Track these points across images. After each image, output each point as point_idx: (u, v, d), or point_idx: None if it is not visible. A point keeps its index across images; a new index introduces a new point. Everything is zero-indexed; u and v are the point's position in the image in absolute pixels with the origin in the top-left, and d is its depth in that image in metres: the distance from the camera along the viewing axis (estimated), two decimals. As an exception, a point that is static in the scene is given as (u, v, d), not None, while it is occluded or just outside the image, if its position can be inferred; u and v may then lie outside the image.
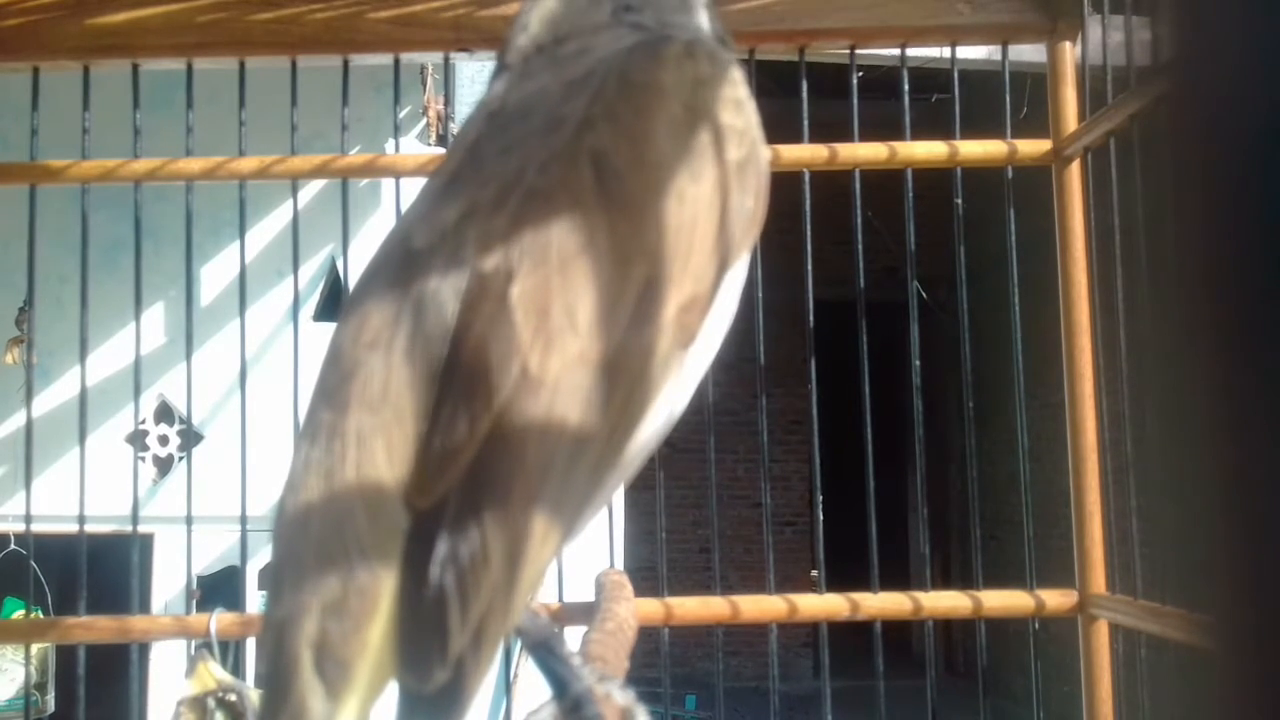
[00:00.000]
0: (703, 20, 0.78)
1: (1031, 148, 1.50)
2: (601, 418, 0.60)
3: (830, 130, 1.56)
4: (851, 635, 1.83)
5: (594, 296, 0.60)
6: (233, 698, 1.49)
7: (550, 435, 0.58)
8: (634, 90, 0.66)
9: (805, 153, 1.50)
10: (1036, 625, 1.48)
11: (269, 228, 3.24)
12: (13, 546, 2.97)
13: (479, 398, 0.57)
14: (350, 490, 0.58)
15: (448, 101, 2.92)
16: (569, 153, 0.63)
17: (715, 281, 0.66)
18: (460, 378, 0.58)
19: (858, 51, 1.56)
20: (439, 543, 0.56)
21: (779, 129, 1.42)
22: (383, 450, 0.59)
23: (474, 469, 0.57)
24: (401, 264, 0.63)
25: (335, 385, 0.61)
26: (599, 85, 0.66)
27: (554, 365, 0.58)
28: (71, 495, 1.52)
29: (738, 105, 0.69)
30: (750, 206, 0.68)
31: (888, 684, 1.54)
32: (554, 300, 0.59)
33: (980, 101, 1.79)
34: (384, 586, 0.57)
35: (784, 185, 1.28)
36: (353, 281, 1.75)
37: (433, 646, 0.55)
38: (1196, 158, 0.22)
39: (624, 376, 0.61)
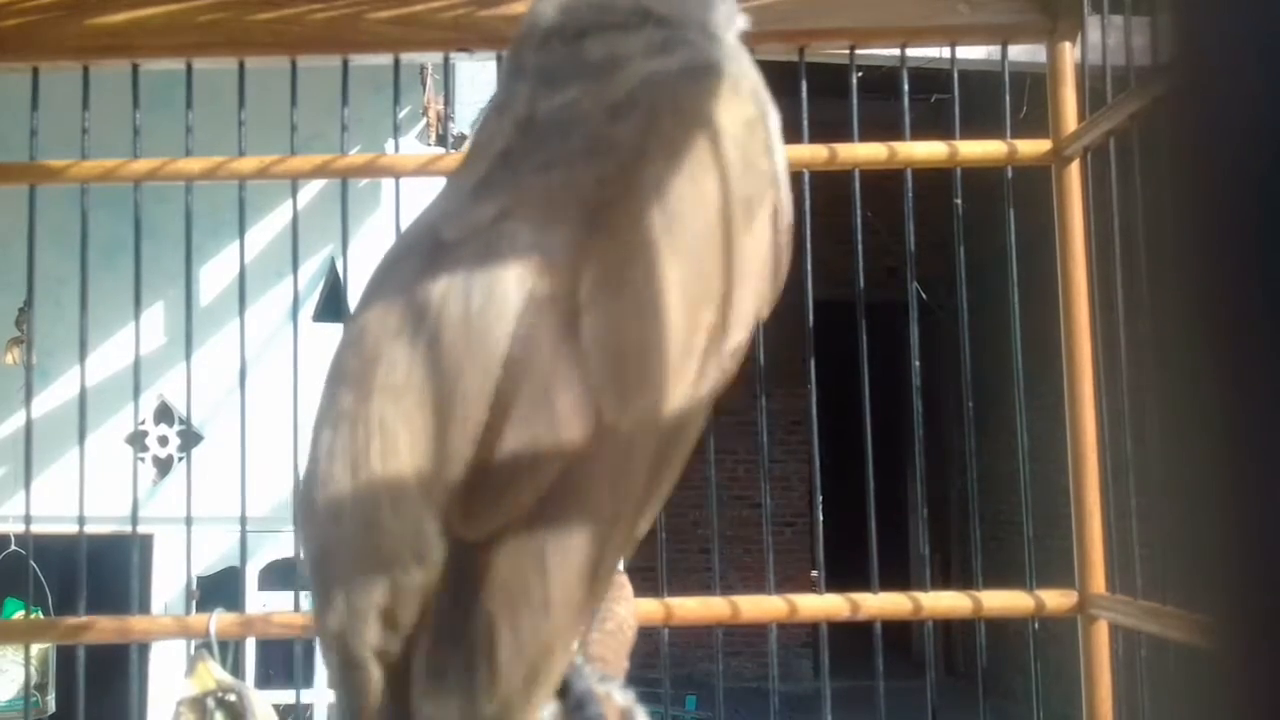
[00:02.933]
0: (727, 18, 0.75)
1: (1031, 148, 1.50)
2: (665, 468, 0.60)
3: (830, 130, 1.56)
4: (851, 635, 1.83)
5: (667, 344, 0.60)
6: (233, 698, 1.49)
7: (622, 486, 0.57)
8: (689, 126, 0.65)
9: (805, 153, 1.50)
10: (1036, 625, 1.48)
11: (269, 228, 3.24)
12: (13, 547, 2.97)
13: (547, 440, 0.56)
14: (377, 484, 0.57)
15: (448, 101, 2.92)
16: (629, 183, 0.62)
17: (754, 326, 0.66)
18: (523, 416, 0.56)
19: (858, 51, 1.56)
20: (494, 578, 0.55)
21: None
22: (407, 442, 0.57)
23: (540, 510, 0.56)
24: (430, 254, 0.62)
25: (358, 373, 0.60)
26: (651, 115, 0.65)
27: (629, 417, 0.57)
28: (71, 496, 1.52)
29: (774, 150, 0.68)
30: (781, 249, 0.68)
31: (888, 684, 1.54)
32: (629, 345, 0.58)
33: (980, 101, 1.79)
34: (425, 593, 0.56)
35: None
36: (354, 281, 1.76)
37: (479, 681, 0.54)
38: (1196, 157, 0.22)
39: (689, 426, 0.61)
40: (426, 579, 0.56)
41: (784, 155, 0.71)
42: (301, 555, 0.62)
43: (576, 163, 0.63)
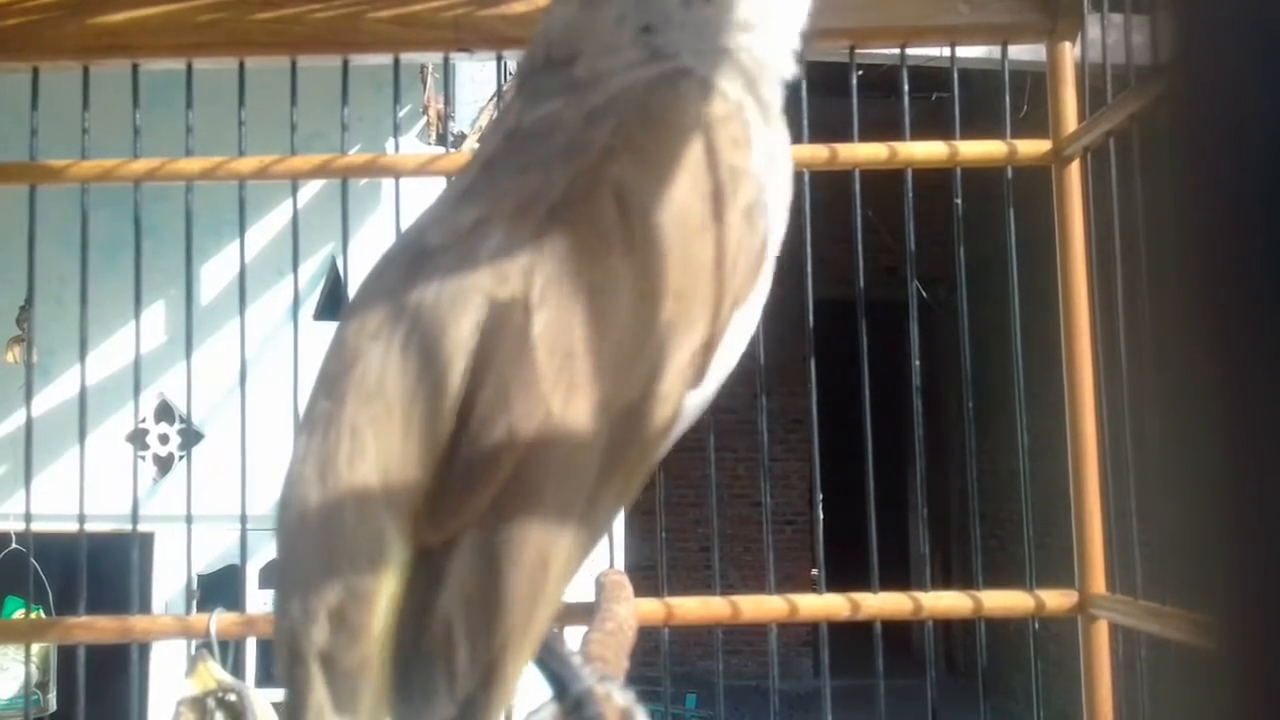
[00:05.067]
0: (739, 42, 0.74)
1: (1031, 148, 1.50)
2: (618, 464, 0.60)
3: (830, 130, 1.56)
4: (851, 634, 1.83)
5: (617, 339, 0.60)
6: (233, 698, 1.49)
7: (570, 481, 0.58)
8: (655, 126, 0.66)
9: (805, 153, 1.50)
10: (1036, 625, 1.48)
11: (269, 227, 3.24)
12: (13, 546, 2.97)
13: (500, 440, 0.57)
14: (342, 487, 0.58)
15: (448, 101, 2.92)
16: (591, 182, 0.63)
17: (726, 324, 0.66)
18: (480, 416, 0.57)
19: (858, 51, 1.56)
20: (451, 580, 0.56)
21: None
22: (375, 447, 0.59)
23: (492, 510, 0.57)
24: (413, 260, 0.64)
25: (335, 375, 0.62)
26: (620, 116, 0.66)
27: (576, 411, 0.58)
28: (72, 494, 1.52)
29: (746, 146, 0.68)
30: (758, 248, 0.68)
31: (888, 683, 1.54)
32: (578, 341, 0.59)
33: (980, 101, 1.79)
34: (379, 594, 0.57)
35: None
36: (353, 281, 1.76)
37: (438, 683, 0.55)
38: (1196, 157, 0.22)
39: (643, 423, 0.61)
40: (384, 582, 0.57)
41: (779, 156, 0.71)
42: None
43: (552, 165, 0.64)
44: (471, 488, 0.57)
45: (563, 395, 0.58)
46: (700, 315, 0.63)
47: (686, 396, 0.64)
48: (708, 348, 0.64)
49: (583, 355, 0.59)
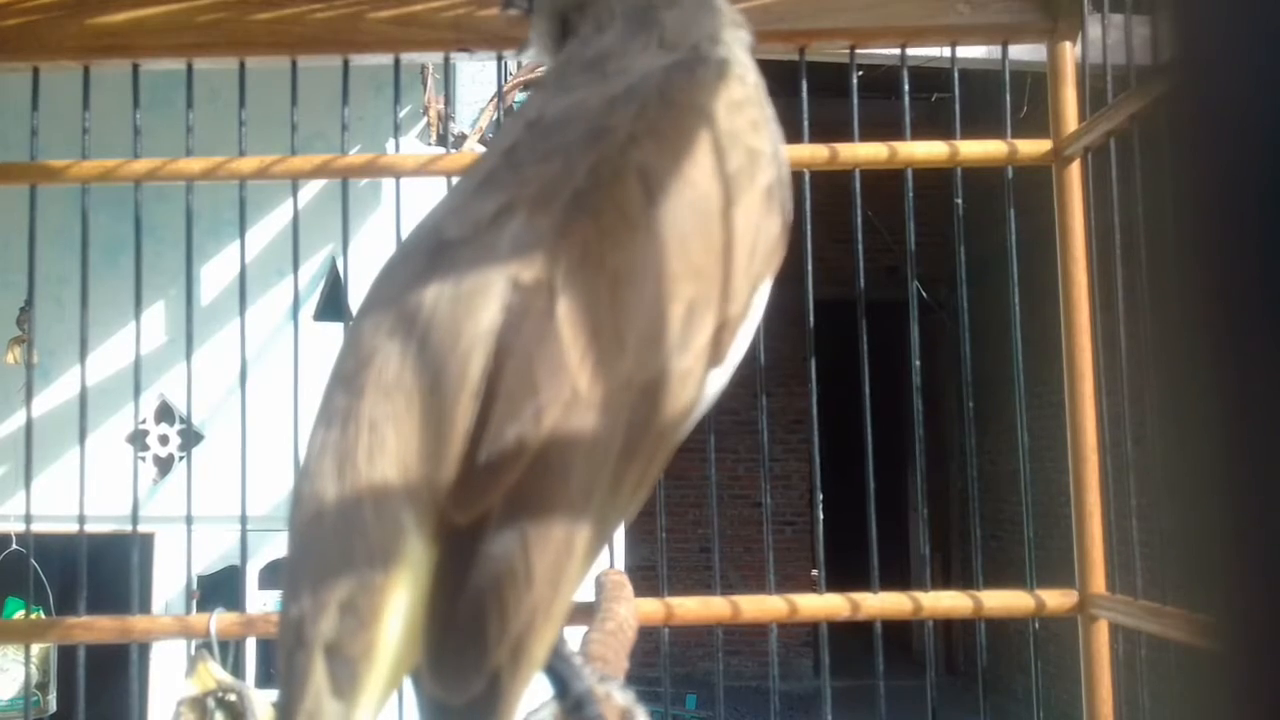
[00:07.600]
0: (724, 24, 0.77)
1: (1031, 148, 1.50)
2: (642, 442, 0.61)
3: (830, 130, 1.56)
4: (852, 635, 1.83)
5: (642, 318, 0.61)
6: (233, 698, 1.49)
7: (595, 457, 0.58)
8: (676, 111, 0.67)
9: (805, 153, 1.50)
10: (1037, 625, 1.48)
11: (269, 228, 3.24)
12: (13, 546, 2.97)
13: (526, 417, 0.57)
14: (361, 481, 0.58)
15: (448, 101, 2.92)
16: (615, 166, 0.64)
17: (746, 304, 0.67)
18: (506, 395, 0.58)
19: (858, 51, 1.56)
20: (479, 558, 0.56)
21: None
22: (394, 440, 0.59)
23: (519, 488, 0.57)
24: (432, 253, 0.64)
25: (352, 370, 0.62)
26: (641, 102, 0.67)
27: (601, 388, 0.59)
28: (72, 495, 1.52)
29: (766, 128, 0.70)
30: (777, 229, 0.69)
31: (888, 683, 1.54)
32: (603, 320, 0.60)
33: (980, 101, 1.79)
34: (391, 585, 0.57)
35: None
36: (354, 281, 1.76)
37: (467, 659, 0.55)
38: (1196, 157, 0.22)
39: (665, 401, 0.62)
40: (399, 574, 0.57)
41: (779, 135, 0.73)
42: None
43: (573, 152, 0.65)
44: (499, 468, 0.57)
45: (588, 375, 0.59)
46: (722, 295, 0.64)
47: (709, 376, 0.65)
48: (729, 327, 0.65)
49: (608, 336, 0.60)
